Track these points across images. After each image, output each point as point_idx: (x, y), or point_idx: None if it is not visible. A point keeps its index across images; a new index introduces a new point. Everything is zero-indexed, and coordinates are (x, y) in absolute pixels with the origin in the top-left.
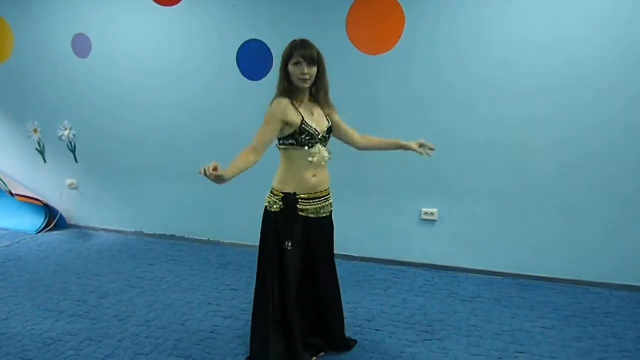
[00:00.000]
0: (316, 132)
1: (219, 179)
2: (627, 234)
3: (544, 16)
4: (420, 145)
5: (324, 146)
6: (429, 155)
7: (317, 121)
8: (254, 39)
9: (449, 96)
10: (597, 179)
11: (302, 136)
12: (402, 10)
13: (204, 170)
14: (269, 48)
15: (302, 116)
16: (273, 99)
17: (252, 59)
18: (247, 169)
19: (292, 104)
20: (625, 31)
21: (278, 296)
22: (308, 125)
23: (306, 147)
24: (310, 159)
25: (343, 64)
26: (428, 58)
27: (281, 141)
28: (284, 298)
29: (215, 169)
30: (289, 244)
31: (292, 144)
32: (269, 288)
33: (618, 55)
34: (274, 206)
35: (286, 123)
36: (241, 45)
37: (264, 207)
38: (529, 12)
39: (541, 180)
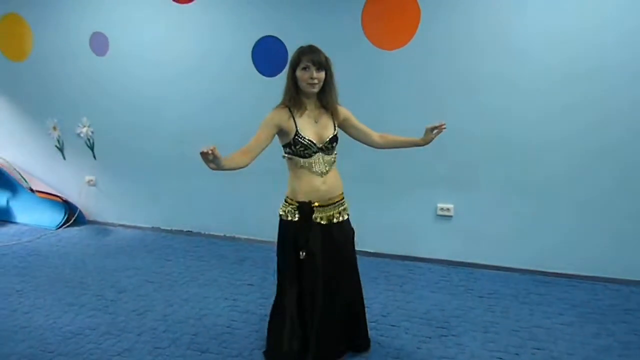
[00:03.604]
0: (311, 143)
1: (215, 160)
2: None
3: (561, 8)
4: (432, 130)
5: (329, 154)
6: (445, 129)
7: (318, 131)
8: (270, 36)
9: (465, 91)
10: (616, 173)
11: (297, 147)
12: (417, 5)
13: (206, 150)
14: (284, 44)
15: (296, 128)
16: (276, 106)
17: (267, 55)
18: (237, 168)
19: (292, 115)
20: None
21: (297, 302)
22: (302, 137)
23: (304, 158)
24: (308, 167)
25: (358, 60)
26: (444, 53)
27: (284, 150)
28: (303, 304)
29: (214, 150)
30: (303, 253)
31: (290, 154)
32: (287, 293)
33: (633, 48)
34: (290, 216)
35: (282, 130)
36: (257, 42)
37: (278, 215)
38: (545, 4)
39: (559, 175)
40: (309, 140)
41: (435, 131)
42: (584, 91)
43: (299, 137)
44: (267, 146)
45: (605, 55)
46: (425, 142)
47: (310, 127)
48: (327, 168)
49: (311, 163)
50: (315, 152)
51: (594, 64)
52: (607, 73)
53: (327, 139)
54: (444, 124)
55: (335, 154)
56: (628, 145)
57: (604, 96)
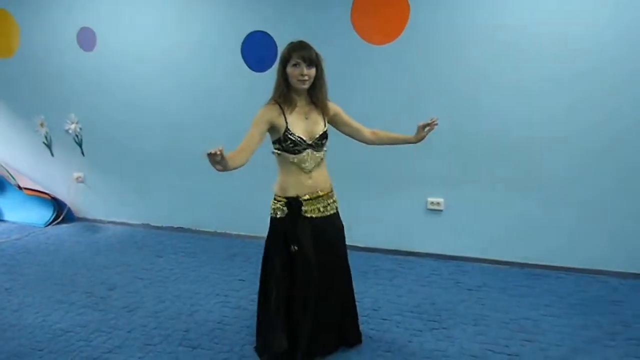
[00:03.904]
0: (300, 140)
1: (222, 161)
2: (634, 223)
3: (559, 4)
4: (423, 128)
5: (318, 151)
6: (437, 125)
7: (308, 127)
8: (259, 31)
9: (455, 87)
10: (605, 169)
11: (287, 143)
12: (407, 1)
13: (214, 151)
14: (273, 39)
15: (286, 124)
16: (266, 103)
17: (257, 50)
18: (238, 167)
19: (282, 111)
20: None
21: (285, 298)
22: (292, 134)
23: (294, 154)
24: (297, 164)
25: (348, 55)
26: (434, 48)
27: (274, 146)
28: (292, 302)
29: (222, 151)
30: (295, 247)
31: (280, 149)
32: (275, 291)
33: (630, 46)
34: (280, 213)
35: (273, 127)
36: (246, 37)
37: (269, 215)
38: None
39: (548, 169)
40: (298, 137)
41: (427, 128)
42: (583, 90)
43: (288, 133)
44: (261, 143)
45: (604, 53)
46: (417, 140)
47: (301, 123)
48: (314, 165)
49: (300, 159)
50: (305, 149)
51: (592, 63)
52: (606, 71)
53: (317, 136)
54: (436, 120)
55: (325, 151)
56: (628, 145)
57: (603, 95)
